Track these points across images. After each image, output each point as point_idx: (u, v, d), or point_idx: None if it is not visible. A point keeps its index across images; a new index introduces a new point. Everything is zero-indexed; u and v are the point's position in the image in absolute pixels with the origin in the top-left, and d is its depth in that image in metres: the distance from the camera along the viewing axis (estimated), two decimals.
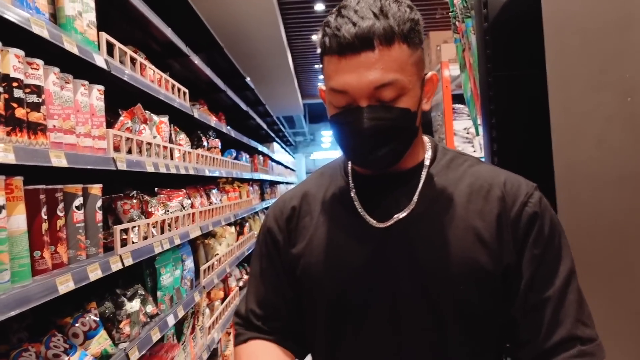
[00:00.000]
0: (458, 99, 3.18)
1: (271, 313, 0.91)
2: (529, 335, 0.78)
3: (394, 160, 0.80)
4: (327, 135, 21.70)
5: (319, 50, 0.81)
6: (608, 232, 1.19)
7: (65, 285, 1.26)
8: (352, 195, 0.86)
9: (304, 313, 0.90)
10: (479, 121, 2.05)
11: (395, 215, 0.81)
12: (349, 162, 0.89)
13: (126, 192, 1.97)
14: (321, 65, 0.82)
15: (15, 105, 1.13)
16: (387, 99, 0.74)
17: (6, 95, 1.10)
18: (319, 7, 7.45)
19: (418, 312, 0.79)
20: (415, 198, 0.82)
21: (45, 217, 1.26)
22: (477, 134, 2.72)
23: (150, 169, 1.95)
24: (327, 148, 21.94)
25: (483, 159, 1.51)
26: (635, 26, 1.20)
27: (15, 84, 1.13)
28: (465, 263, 0.78)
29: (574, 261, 0.81)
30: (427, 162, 0.86)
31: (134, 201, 1.98)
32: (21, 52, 1.15)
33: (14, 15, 1.14)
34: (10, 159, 1.07)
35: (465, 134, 3.49)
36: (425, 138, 0.89)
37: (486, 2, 1.87)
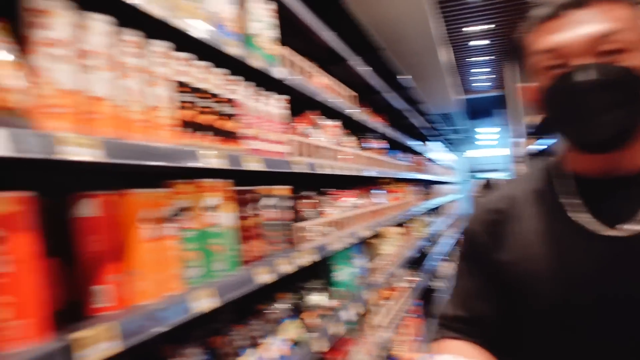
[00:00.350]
0: None
1: (472, 316, 0.88)
2: None
3: (624, 130, 0.70)
4: (484, 132, 20.38)
5: (527, 28, 0.75)
6: None
7: (263, 276, 1.40)
8: (573, 201, 0.78)
9: (511, 320, 0.85)
10: None
11: (628, 226, 0.72)
12: (563, 162, 0.82)
13: (303, 193, 2.12)
14: (518, 61, 0.77)
15: (221, 118, 1.30)
16: (607, 53, 0.67)
17: (216, 110, 1.28)
18: None
19: None
20: None
21: (246, 214, 1.42)
22: None
23: (324, 170, 2.06)
24: (487, 146, 20.61)
25: None
26: None
27: (220, 100, 1.31)
28: None
29: None
30: None
31: (310, 201, 2.12)
32: (226, 71, 1.33)
33: (208, 37, 1.31)
34: (223, 164, 1.23)
35: None
36: None
37: None
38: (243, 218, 1.41)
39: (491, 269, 0.85)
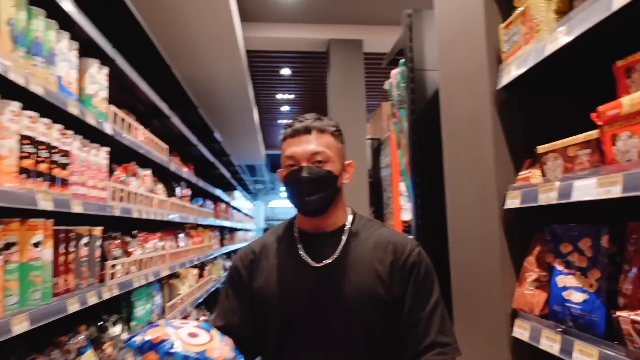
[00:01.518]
0: None
1: (231, 326, 1.25)
2: (410, 342, 1.19)
3: (323, 205, 1.20)
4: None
5: (281, 139, 1.25)
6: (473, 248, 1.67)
7: (73, 306, 1.59)
8: (298, 245, 1.26)
9: (258, 328, 1.26)
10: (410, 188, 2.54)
11: (325, 261, 1.22)
12: (296, 221, 1.31)
13: (112, 234, 2.31)
14: (281, 141, 1.25)
15: (53, 166, 1.51)
16: (317, 161, 1.18)
17: (49, 159, 1.49)
18: (285, 71, 8.18)
19: (339, 326, 1.19)
20: (339, 249, 1.24)
21: (62, 251, 1.61)
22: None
23: (136, 215, 2.31)
24: (284, 197, 22.28)
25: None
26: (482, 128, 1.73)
27: (54, 150, 1.52)
28: (369, 294, 1.19)
29: (440, 293, 1.24)
30: (347, 225, 1.29)
31: (118, 241, 2.32)
32: (61, 126, 1.55)
33: (56, 100, 1.55)
34: (49, 206, 1.44)
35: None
36: (348, 209, 1.32)
37: (413, 99, 2.45)
38: (60, 254, 1.59)
39: (246, 292, 1.23)
